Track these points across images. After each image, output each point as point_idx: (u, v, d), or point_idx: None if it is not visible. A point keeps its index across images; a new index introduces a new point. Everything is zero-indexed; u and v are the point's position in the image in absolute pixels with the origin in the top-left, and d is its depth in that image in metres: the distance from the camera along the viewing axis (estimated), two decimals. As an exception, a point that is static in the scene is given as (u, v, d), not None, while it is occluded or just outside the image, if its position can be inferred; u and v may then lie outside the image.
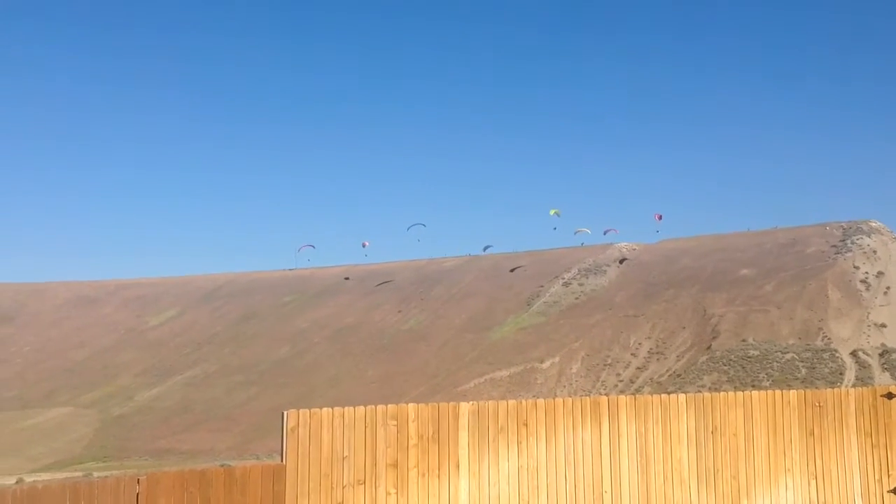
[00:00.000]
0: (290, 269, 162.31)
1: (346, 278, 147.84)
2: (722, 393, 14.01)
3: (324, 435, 11.16)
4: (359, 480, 11.26)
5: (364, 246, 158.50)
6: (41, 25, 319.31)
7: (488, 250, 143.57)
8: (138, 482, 10.37)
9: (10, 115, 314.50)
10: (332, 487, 11.07)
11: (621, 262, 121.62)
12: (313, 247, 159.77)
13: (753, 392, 14.33)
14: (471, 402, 12.33)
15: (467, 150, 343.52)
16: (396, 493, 11.50)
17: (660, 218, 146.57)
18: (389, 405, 11.86)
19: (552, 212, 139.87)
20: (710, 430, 13.61)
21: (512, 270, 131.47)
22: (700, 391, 19.27)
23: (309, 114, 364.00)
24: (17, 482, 60.76)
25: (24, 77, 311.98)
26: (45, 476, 69.52)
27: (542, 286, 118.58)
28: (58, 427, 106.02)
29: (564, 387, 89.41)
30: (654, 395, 13.56)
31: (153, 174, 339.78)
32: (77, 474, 66.04)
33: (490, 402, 12.53)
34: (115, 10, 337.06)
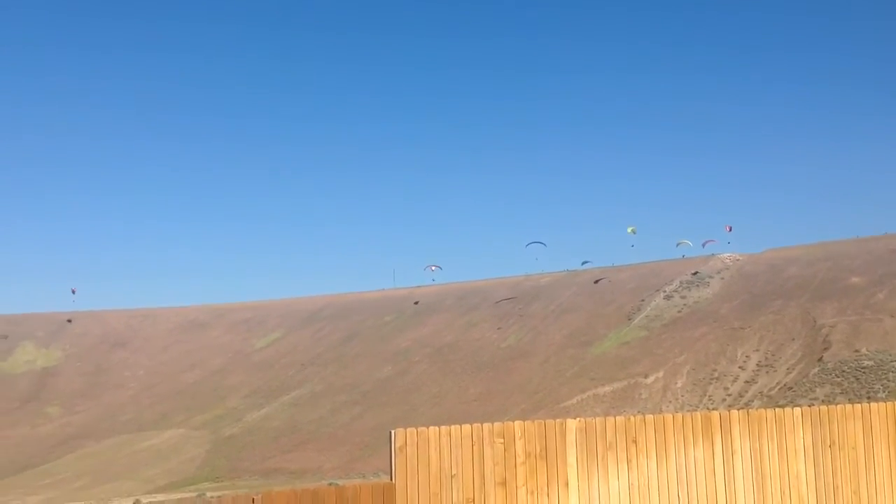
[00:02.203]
0: (388, 289, 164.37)
1: (416, 302, 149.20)
2: (839, 405, 13.54)
3: (431, 453, 11.22)
4: (468, 499, 11.27)
5: (432, 270, 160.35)
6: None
7: (586, 265, 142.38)
8: (253, 501, 10.61)
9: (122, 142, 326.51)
10: (441, 506, 11.11)
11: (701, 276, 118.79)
12: (440, 267, 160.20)
13: (871, 404, 13.80)
14: (577, 419, 12.21)
15: (561, 165, 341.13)
16: (506, 511, 11.46)
17: (730, 230, 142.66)
18: (495, 423, 11.84)
19: (629, 230, 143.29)
20: (828, 443, 13.15)
21: (596, 282, 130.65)
22: (813, 404, 18.66)
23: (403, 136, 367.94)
24: (134, 503, 62.88)
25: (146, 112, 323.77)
26: (160, 497, 71.76)
27: (643, 300, 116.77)
28: (171, 448, 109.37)
29: (670, 402, 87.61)
30: (768, 409, 13.19)
31: (257, 200, 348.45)
32: (191, 495, 68.00)
33: (597, 418, 12.39)
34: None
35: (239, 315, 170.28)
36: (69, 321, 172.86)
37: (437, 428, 11.36)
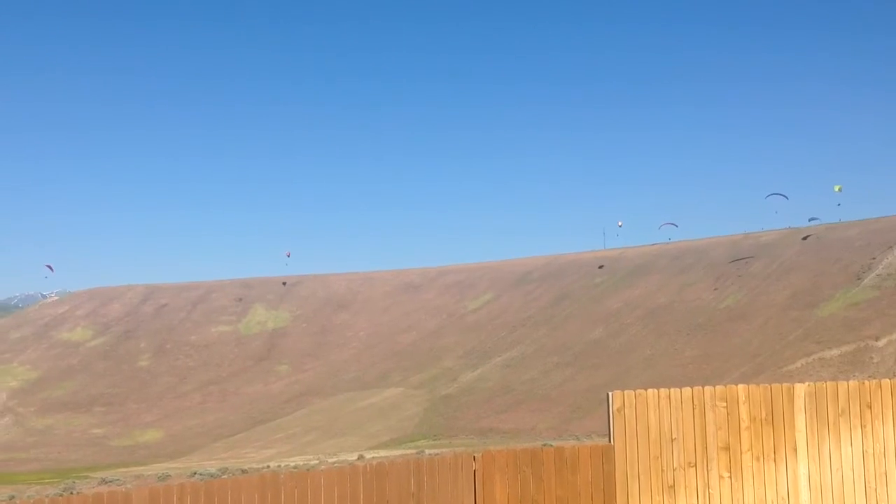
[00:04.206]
0: (599, 250, 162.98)
1: (601, 266, 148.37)
2: None
3: (650, 416, 11.07)
4: (689, 463, 11.05)
5: (619, 225, 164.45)
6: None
7: (813, 222, 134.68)
8: (474, 459, 10.91)
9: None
10: (662, 469, 10.96)
11: None
12: (676, 225, 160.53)
13: None
14: (806, 384, 11.68)
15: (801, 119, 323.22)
16: (730, 476, 11.16)
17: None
18: (717, 386, 11.52)
19: (836, 188, 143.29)
20: None
21: (804, 238, 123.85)
22: None
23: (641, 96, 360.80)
24: (358, 458, 66.19)
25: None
26: (382, 452, 75.09)
27: (874, 258, 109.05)
28: (391, 406, 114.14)
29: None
30: None
31: (471, 164, 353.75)
32: (411, 451, 70.63)
33: (828, 382, 11.78)
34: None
35: (451, 277, 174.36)
36: (284, 284, 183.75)
37: (655, 390, 11.19)
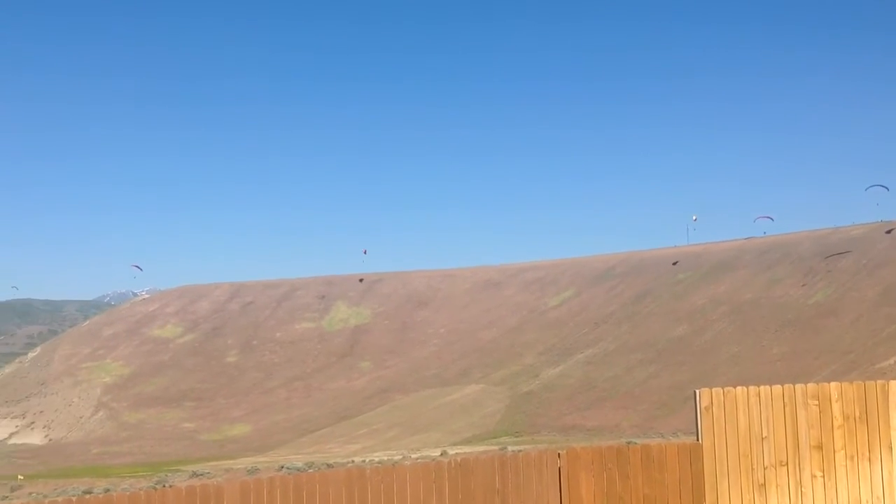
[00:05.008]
0: (679, 246, 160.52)
1: (675, 263, 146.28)
2: None
3: (740, 414, 10.89)
4: (780, 462, 10.84)
5: (694, 220, 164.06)
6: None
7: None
8: (559, 456, 10.88)
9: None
10: (751, 468, 10.77)
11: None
12: (772, 218, 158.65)
13: None
14: (902, 381, 11.32)
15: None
16: (823, 475, 10.91)
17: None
18: (809, 384, 11.27)
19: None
20: None
21: (888, 232, 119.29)
22: None
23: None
24: (441, 454, 66.54)
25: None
26: (465, 449, 75.32)
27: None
28: (473, 403, 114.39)
29: None
30: None
31: (549, 159, 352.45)
32: (493, 448, 70.69)
33: (926, 380, 11.40)
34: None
35: (531, 274, 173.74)
36: (360, 280, 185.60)
37: (744, 388, 11.00)
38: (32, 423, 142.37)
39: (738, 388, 10.96)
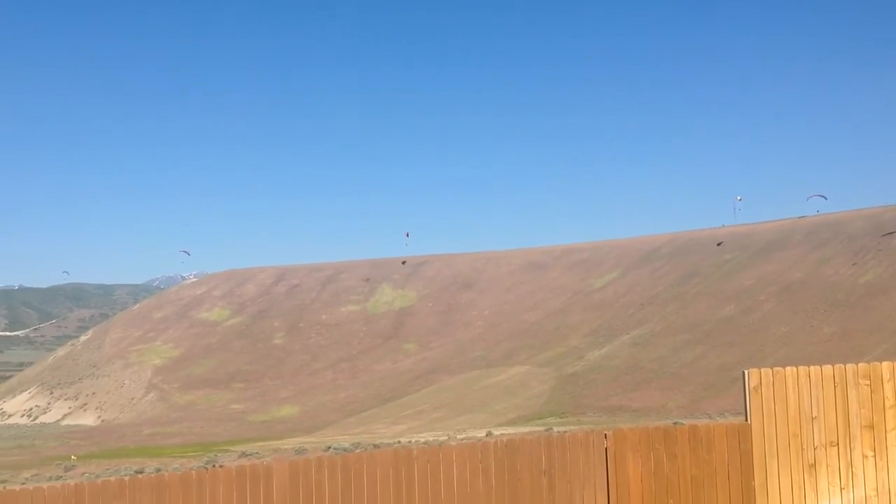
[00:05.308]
0: (725, 226, 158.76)
1: (719, 244, 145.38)
2: None
3: (789, 394, 10.77)
4: (831, 442, 10.71)
5: (739, 199, 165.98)
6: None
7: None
8: (605, 437, 10.85)
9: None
10: (801, 448, 10.66)
11: None
12: (825, 197, 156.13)
13: None
14: (957, 361, 11.11)
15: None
16: (874, 455, 10.76)
17: None
18: (860, 364, 11.11)
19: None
20: None
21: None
22: None
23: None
24: (486, 434, 66.73)
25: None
26: (510, 430, 75.44)
27: None
28: (518, 384, 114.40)
29: None
30: None
31: (597, 144, 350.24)
32: (539, 429, 70.71)
33: (982, 360, 11.17)
34: None
35: (576, 256, 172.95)
36: (403, 263, 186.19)
37: (794, 368, 10.86)
38: (85, 404, 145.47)
39: (788, 368, 10.83)
